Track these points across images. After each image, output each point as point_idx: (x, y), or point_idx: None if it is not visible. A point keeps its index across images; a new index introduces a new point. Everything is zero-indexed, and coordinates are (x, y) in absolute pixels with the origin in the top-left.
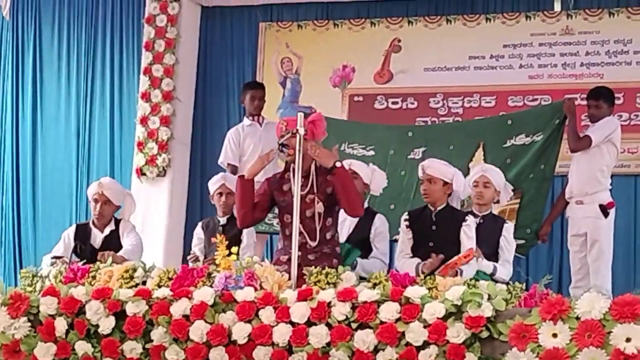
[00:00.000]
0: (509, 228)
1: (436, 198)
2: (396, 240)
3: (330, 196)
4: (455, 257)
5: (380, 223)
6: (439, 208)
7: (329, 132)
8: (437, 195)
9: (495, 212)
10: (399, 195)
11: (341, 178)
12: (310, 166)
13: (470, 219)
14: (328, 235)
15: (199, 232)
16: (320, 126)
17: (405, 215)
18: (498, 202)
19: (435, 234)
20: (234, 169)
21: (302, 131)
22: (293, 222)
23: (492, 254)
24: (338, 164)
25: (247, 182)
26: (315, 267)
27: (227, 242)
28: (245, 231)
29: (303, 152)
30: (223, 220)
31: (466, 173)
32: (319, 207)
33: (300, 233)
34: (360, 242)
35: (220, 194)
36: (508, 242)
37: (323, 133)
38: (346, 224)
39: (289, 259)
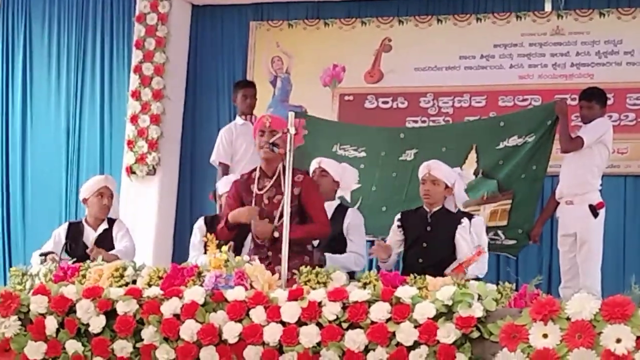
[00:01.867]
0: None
1: (436, 200)
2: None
3: (298, 197)
4: (469, 256)
5: (353, 216)
6: (434, 209)
7: (321, 134)
8: (438, 197)
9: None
10: (390, 197)
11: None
12: (277, 167)
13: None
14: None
15: (201, 226)
16: (300, 132)
17: (398, 215)
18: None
19: (429, 235)
20: (225, 168)
21: (292, 130)
22: (284, 223)
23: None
24: (276, 234)
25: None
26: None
27: (232, 242)
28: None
29: (275, 154)
30: None
31: None
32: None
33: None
34: (334, 238)
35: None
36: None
37: (300, 139)
38: None
39: (261, 259)
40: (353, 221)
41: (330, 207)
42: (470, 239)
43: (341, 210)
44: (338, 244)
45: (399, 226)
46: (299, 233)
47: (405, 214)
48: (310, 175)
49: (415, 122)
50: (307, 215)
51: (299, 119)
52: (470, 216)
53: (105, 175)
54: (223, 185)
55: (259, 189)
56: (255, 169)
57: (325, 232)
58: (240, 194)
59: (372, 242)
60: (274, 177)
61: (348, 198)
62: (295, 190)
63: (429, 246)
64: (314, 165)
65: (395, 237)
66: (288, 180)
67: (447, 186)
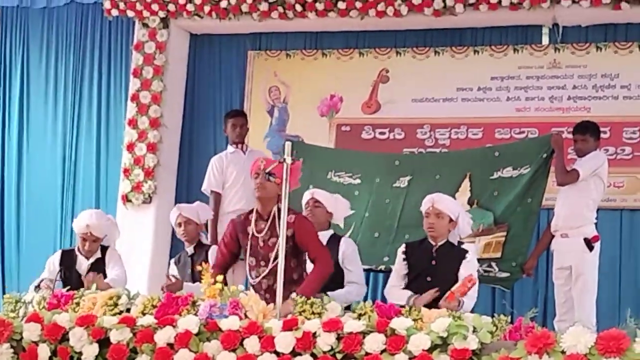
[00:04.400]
0: (470, 252)
1: (441, 233)
2: (380, 271)
3: (292, 238)
4: (459, 284)
5: (346, 245)
6: (439, 243)
7: (316, 160)
8: (443, 230)
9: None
10: (382, 223)
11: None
12: (272, 209)
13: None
14: (295, 276)
15: (173, 270)
16: (296, 175)
17: (402, 247)
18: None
19: (434, 269)
20: (217, 196)
21: (289, 160)
22: (279, 256)
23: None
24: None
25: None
26: None
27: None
28: (209, 253)
29: (272, 194)
30: (190, 250)
31: None
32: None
33: (266, 276)
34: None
35: (180, 224)
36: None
37: (296, 183)
38: None
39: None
40: (347, 250)
41: (323, 237)
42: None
43: (335, 240)
44: (334, 274)
45: (404, 259)
46: (312, 290)
47: (410, 246)
48: (304, 206)
49: (412, 153)
50: (308, 255)
51: (295, 162)
52: (465, 252)
53: (87, 220)
54: (171, 219)
55: (256, 231)
56: (252, 210)
57: (330, 270)
58: (237, 235)
59: (367, 271)
60: (269, 220)
61: (341, 224)
62: (288, 232)
63: (433, 280)
64: (307, 196)
65: (402, 270)
66: (284, 209)
67: (451, 219)
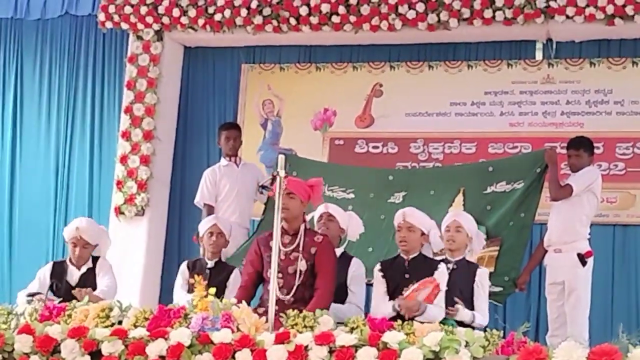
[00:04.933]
0: (482, 274)
1: (413, 247)
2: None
3: (314, 256)
4: (420, 284)
5: (357, 267)
6: (411, 256)
7: (309, 174)
8: (415, 244)
9: (473, 259)
10: (377, 239)
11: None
12: (300, 226)
13: (442, 267)
14: (307, 294)
15: (183, 271)
16: (319, 191)
17: (378, 266)
18: (471, 249)
19: (408, 282)
20: (210, 209)
21: (282, 173)
22: (272, 267)
23: (467, 300)
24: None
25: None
26: None
27: (214, 287)
28: (232, 277)
29: (296, 213)
30: (211, 264)
31: None
32: (302, 264)
33: (279, 288)
34: (338, 288)
35: (211, 233)
36: (483, 288)
37: (320, 199)
38: None
39: (265, 311)
40: (357, 272)
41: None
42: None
43: (345, 259)
44: (340, 293)
45: (382, 276)
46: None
47: (384, 263)
48: (316, 220)
49: (406, 167)
50: (316, 280)
51: (317, 180)
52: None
53: (76, 226)
54: (203, 225)
55: (281, 245)
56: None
57: (326, 303)
58: (261, 250)
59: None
60: (295, 235)
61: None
62: (311, 250)
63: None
64: (320, 209)
65: (381, 287)
66: (277, 222)
67: (422, 233)
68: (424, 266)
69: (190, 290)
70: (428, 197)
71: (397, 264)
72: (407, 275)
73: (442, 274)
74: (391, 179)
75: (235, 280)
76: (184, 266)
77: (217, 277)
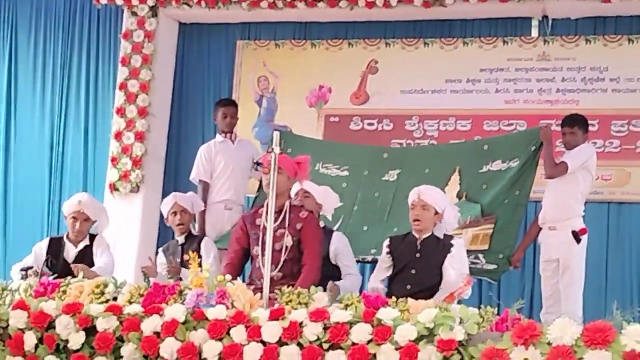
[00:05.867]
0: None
1: (426, 226)
2: (368, 261)
3: (300, 231)
4: (460, 286)
5: (338, 240)
6: (424, 236)
7: (303, 151)
8: (428, 223)
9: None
10: (372, 217)
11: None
12: (285, 203)
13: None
14: (295, 269)
15: (161, 258)
16: (305, 168)
17: (387, 241)
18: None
19: (418, 262)
20: (205, 185)
21: (277, 150)
22: (266, 244)
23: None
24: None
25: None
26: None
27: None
28: (202, 244)
29: (282, 189)
30: (181, 239)
31: None
32: (288, 240)
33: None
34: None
35: (175, 213)
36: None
37: (306, 176)
38: None
39: (255, 289)
40: (340, 245)
41: None
42: (461, 266)
43: (326, 234)
44: (325, 268)
45: (387, 252)
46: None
47: (394, 239)
48: (292, 196)
49: (400, 144)
50: (303, 256)
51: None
52: (451, 238)
53: (78, 199)
54: (164, 207)
55: (266, 222)
56: (261, 205)
57: (314, 281)
58: (247, 227)
59: (358, 261)
60: (280, 212)
61: (330, 217)
62: (297, 226)
63: (417, 273)
64: (296, 187)
65: (384, 264)
66: (272, 197)
67: (437, 212)
68: (436, 247)
69: (175, 273)
70: (423, 175)
71: (408, 242)
72: (417, 255)
73: (455, 257)
74: (386, 156)
75: (206, 247)
76: (160, 253)
77: (190, 248)
